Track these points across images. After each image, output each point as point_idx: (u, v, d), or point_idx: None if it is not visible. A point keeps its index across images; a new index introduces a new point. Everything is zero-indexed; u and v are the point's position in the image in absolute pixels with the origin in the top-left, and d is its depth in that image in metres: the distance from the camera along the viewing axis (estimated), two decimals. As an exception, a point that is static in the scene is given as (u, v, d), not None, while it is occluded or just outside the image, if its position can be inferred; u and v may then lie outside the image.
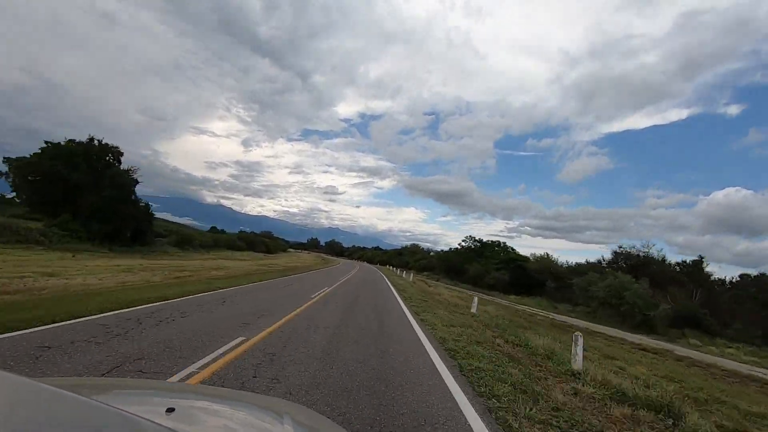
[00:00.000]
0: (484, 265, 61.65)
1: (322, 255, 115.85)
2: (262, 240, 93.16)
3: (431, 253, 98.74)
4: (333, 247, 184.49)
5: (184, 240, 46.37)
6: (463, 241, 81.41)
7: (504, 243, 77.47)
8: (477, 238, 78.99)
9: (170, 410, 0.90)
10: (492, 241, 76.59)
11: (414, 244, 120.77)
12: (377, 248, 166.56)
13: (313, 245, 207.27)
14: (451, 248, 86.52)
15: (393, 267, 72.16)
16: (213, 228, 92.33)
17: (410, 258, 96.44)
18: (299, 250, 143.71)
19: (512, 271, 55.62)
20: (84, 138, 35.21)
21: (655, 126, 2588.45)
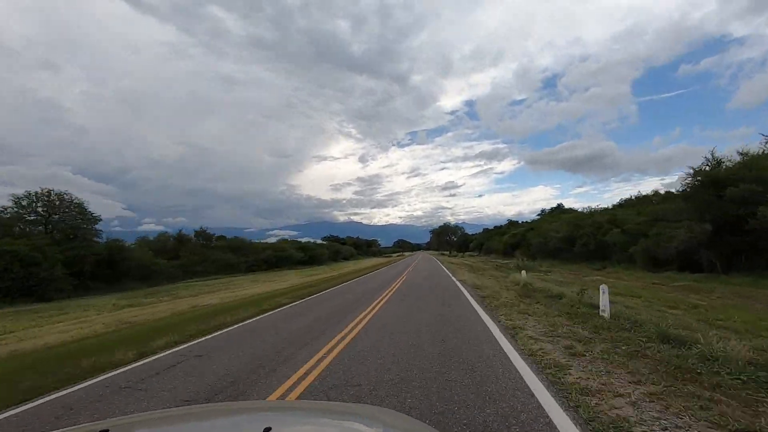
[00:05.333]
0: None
1: (421, 254, 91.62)
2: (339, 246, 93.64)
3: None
4: (444, 239, 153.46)
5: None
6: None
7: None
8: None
9: (267, 430, 0.92)
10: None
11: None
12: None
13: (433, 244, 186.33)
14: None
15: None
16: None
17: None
18: (396, 253, 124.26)
19: None
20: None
21: None
